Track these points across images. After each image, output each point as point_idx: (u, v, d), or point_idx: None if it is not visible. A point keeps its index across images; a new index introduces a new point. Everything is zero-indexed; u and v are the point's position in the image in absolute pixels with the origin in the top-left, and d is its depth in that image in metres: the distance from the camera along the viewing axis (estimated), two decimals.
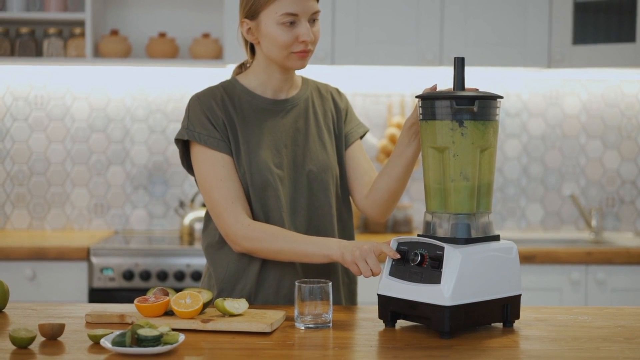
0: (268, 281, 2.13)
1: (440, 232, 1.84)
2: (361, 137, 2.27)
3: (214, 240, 2.17)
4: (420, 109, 1.87)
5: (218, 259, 2.16)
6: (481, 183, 1.83)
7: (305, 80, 2.25)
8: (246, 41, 2.18)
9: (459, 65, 1.86)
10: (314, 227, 2.16)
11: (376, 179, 2.18)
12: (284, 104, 2.17)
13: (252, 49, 2.19)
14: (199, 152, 2.10)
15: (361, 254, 1.93)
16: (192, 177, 4.04)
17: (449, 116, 1.81)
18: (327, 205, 2.17)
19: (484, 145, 1.82)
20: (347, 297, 2.25)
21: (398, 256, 1.86)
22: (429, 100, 1.84)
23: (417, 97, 1.89)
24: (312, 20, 2.08)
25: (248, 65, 2.21)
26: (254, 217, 2.11)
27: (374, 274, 1.92)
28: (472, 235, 1.82)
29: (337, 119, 2.25)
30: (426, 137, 1.86)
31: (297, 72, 2.23)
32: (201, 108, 2.11)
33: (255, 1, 2.07)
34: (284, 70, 2.14)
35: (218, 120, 2.10)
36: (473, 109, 1.79)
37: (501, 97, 1.85)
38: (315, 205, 2.16)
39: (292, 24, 2.05)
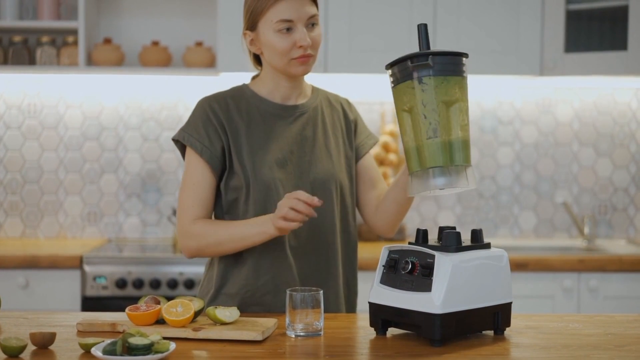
0: (265, 286, 2.13)
1: (431, 240, 1.85)
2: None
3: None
4: (390, 78, 1.91)
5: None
6: (453, 137, 1.84)
7: (315, 90, 2.27)
8: (251, 52, 2.21)
9: (423, 32, 1.91)
10: (315, 236, 2.16)
11: (385, 193, 2.20)
12: (292, 110, 2.19)
13: (259, 60, 2.21)
14: (187, 154, 2.17)
15: (282, 204, 1.95)
16: None
17: (409, 76, 1.85)
18: (330, 214, 2.17)
19: (449, 100, 1.83)
20: (348, 310, 2.25)
21: (316, 202, 1.92)
22: (392, 66, 1.89)
23: (385, 67, 1.92)
24: (311, 24, 2.10)
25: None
26: None
27: (310, 204, 1.93)
28: (461, 243, 1.83)
29: (346, 130, 2.26)
30: (397, 102, 1.90)
31: (306, 81, 2.25)
32: (202, 111, 2.14)
33: (253, 12, 2.10)
34: (289, 78, 2.16)
35: (216, 124, 2.12)
36: (429, 64, 1.82)
37: (463, 55, 1.86)
38: (317, 213, 2.16)
39: (288, 30, 2.07)
